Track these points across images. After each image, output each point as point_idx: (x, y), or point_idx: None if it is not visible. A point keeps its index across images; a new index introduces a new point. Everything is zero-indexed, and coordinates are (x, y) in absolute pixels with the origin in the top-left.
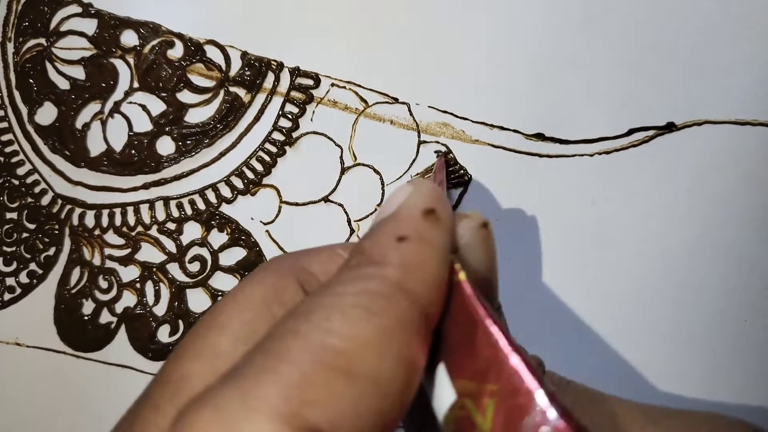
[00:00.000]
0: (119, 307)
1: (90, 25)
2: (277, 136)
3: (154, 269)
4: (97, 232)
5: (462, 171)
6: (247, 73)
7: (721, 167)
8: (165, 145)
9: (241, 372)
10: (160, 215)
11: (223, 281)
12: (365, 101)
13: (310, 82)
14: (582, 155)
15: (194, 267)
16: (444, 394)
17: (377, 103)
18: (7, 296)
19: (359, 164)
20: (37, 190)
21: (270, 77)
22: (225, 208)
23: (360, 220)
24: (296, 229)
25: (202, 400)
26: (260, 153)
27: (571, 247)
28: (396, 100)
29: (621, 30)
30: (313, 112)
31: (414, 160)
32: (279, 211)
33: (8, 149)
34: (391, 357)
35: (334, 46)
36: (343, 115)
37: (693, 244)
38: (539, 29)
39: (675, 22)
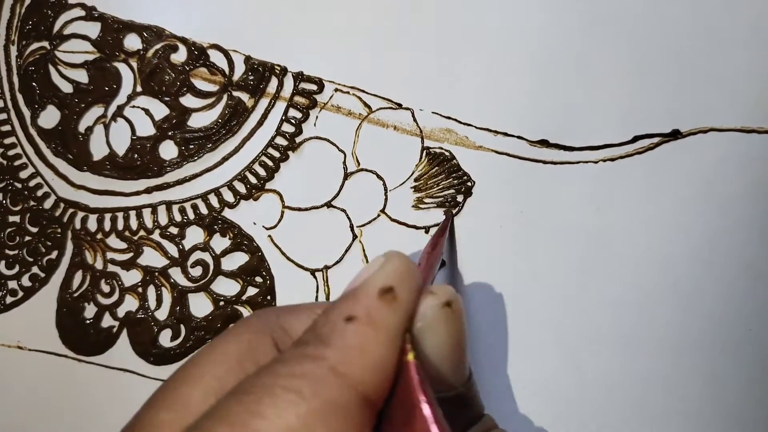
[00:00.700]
0: (121, 311)
1: (93, 29)
2: (281, 141)
3: (156, 273)
4: (99, 236)
5: (465, 177)
6: (251, 77)
7: (726, 175)
8: (168, 150)
9: None
10: (163, 219)
11: (225, 286)
12: (369, 107)
13: (314, 87)
14: (586, 162)
15: (196, 271)
16: None
17: (381, 108)
18: (9, 299)
19: (362, 170)
20: (39, 193)
21: (273, 82)
22: (227, 213)
23: (363, 225)
24: (299, 234)
25: None
26: (263, 158)
27: (574, 254)
28: (400, 105)
29: (626, 35)
30: (317, 117)
31: (417, 166)
32: (281, 216)
33: (11, 152)
34: None
35: (338, 51)
36: (346, 121)
37: (698, 252)
38: (544, 35)
39: (680, 27)
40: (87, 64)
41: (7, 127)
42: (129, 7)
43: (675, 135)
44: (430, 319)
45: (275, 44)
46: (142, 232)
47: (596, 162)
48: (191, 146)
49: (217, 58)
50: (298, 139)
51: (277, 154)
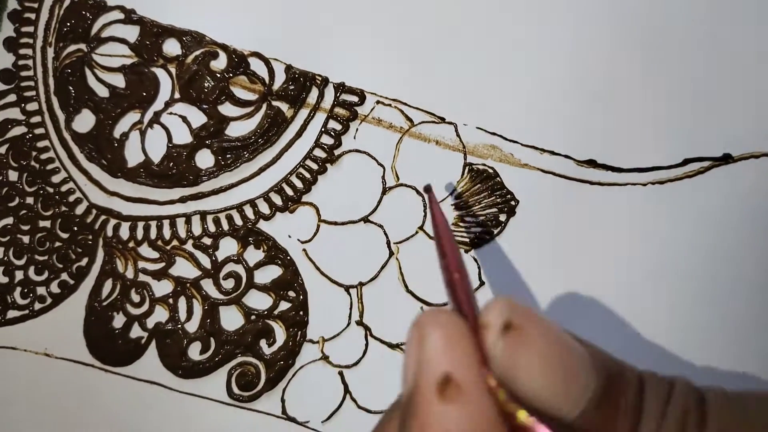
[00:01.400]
0: (150, 322)
1: (132, 32)
2: (319, 153)
3: (188, 285)
4: (131, 244)
5: (509, 196)
6: (291, 87)
7: None
8: (204, 158)
9: None
10: (196, 230)
11: (257, 300)
12: (411, 120)
13: (355, 98)
14: (634, 184)
15: (228, 284)
16: None
17: (423, 122)
18: (37, 306)
19: (401, 185)
20: (71, 198)
21: (314, 92)
22: (262, 225)
23: (400, 242)
24: (334, 248)
25: None
26: (301, 170)
27: (620, 280)
28: (443, 119)
29: (679, 55)
30: (357, 129)
31: (458, 183)
32: (317, 229)
33: (44, 156)
34: None
35: (381, 62)
36: (387, 134)
37: (747, 281)
38: (596, 51)
39: (736, 49)
40: (124, 69)
41: (40, 130)
42: (169, 11)
43: (726, 159)
44: (503, 358)
45: (317, 54)
46: (174, 242)
47: (644, 185)
48: (228, 156)
49: (257, 66)
50: (337, 152)
51: (315, 166)
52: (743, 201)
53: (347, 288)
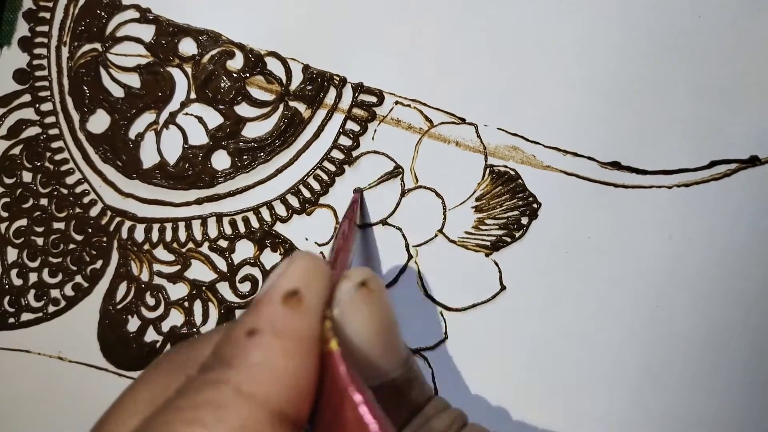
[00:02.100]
0: (166, 326)
1: (147, 32)
2: (337, 154)
3: (204, 288)
4: (146, 246)
5: (531, 198)
6: (309, 87)
7: None
8: (220, 160)
9: None
10: (212, 232)
11: None
12: (430, 121)
13: (374, 99)
14: (660, 187)
15: (245, 287)
16: None
17: (443, 123)
18: (51, 308)
19: (420, 187)
20: (86, 200)
21: (332, 93)
22: (279, 227)
23: (419, 245)
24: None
25: None
26: (318, 171)
27: (644, 284)
28: (463, 120)
29: (705, 56)
30: (375, 130)
31: (479, 185)
32: (335, 231)
33: (58, 156)
34: None
35: (399, 62)
36: (406, 135)
37: None
38: (619, 52)
39: (763, 49)
40: (140, 68)
41: (55, 131)
42: (185, 10)
43: (753, 162)
44: (347, 302)
45: (335, 53)
46: (190, 245)
47: (670, 187)
48: (245, 157)
49: (274, 66)
50: (354, 153)
51: (332, 168)
52: None
53: None
